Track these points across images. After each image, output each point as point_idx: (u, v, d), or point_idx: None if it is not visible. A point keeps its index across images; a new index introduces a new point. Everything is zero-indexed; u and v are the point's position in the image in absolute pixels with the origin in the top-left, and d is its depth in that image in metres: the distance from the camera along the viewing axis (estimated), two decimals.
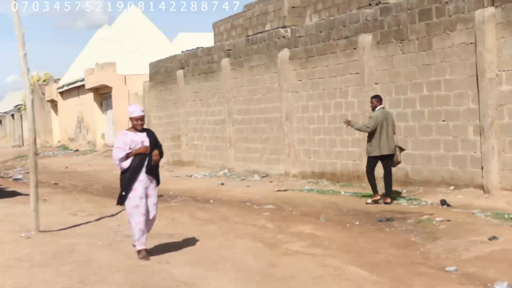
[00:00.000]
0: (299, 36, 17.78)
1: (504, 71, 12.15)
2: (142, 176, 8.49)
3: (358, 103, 15.75)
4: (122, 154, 8.47)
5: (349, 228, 10.49)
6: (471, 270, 7.35)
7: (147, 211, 8.55)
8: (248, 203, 13.94)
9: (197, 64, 23.33)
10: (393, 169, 13.16)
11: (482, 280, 6.89)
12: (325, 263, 7.98)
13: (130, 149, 8.47)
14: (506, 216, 10.44)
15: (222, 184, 18.25)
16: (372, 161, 12.93)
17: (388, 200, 12.69)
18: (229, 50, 21.24)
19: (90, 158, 33.08)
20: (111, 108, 35.97)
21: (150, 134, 8.69)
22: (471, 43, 12.75)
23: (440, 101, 13.55)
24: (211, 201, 14.65)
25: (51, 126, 48.72)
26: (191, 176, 21.10)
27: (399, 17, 14.47)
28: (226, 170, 21.03)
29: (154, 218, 8.77)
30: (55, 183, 20.72)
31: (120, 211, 13.27)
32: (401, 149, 12.93)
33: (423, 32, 13.86)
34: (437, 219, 10.57)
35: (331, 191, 15.19)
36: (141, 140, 8.53)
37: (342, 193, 14.78)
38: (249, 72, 20.13)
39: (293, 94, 18.03)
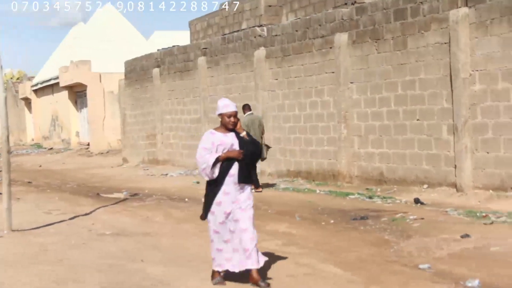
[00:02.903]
0: (275, 35, 17.80)
1: (477, 71, 12.27)
2: (228, 188, 6.89)
3: (334, 102, 15.82)
4: (212, 158, 6.80)
5: (324, 226, 10.53)
6: (444, 267, 7.43)
7: (242, 232, 6.83)
8: None
9: (173, 62, 23.25)
10: (368, 168, 13.79)
11: (454, 277, 6.96)
12: (300, 262, 8.00)
13: (217, 152, 6.87)
14: (478, 214, 10.56)
15: (198, 182, 18.20)
16: None
17: (260, 189, 14.87)
18: (205, 48, 21.21)
19: (64, 157, 32.84)
20: (85, 106, 35.72)
21: (239, 134, 7.06)
22: (445, 43, 12.86)
23: (415, 100, 13.65)
24: (187, 199, 14.62)
25: (25, 124, 48.31)
26: (167, 174, 21.03)
27: (374, 16, 14.55)
28: None
29: (253, 236, 6.87)
30: (29, 182, 20.52)
31: (95, 210, 13.20)
32: (268, 147, 15.16)
33: (398, 32, 13.96)
34: (411, 217, 10.66)
35: (306, 190, 15.23)
36: (231, 142, 6.92)
37: (318, 191, 14.84)
38: (225, 71, 20.12)
39: (269, 93, 18.05)
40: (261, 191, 14.92)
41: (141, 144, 25.69)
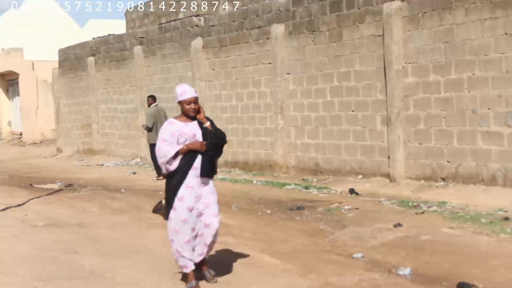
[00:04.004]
0: (213, 25, 17.76)
1: (410, 63, 12.54)
2: (192, 181, 6.45)
3: (271, 93, 15.91)
4: (173, 151, 6.36)
5: (261, 216, 10.61)
6: (377, 256, 7.59)
7: (204, 226, 6.53)
8: (160, 192, 13.84)
9: (108, 51, 22.92)
10: (305, 159, 13.99)
11: (387, 266, 7.13)
12: (236, 252, 8.04)
13: (178, 143, 6.43)
14: (410, 204, 10.83)
15: (134, 173, 18.05)
16: (154, 148, 15.21)
17: (160, 177, 15.33)
18: (142, 37, 20.98)
19: None
20: (18, 95, 34.85)
21: (202, 124, 6.58)
22: (379, 36, 13.09)
23: (350, 91, 13.86)
24: (123, 190, 14.48)
25: None
26: (103, 165, 20.75)
27: (310, 8, 14.68)
28: (139, 159, 20.81)
29: (216, 233, 6.59)
30: None
31: (28, 201, 12.94)
32: None
33: (333, 24, 14.13)
34: (346, 207, 10.84)
35: (243, 180, 15.30)
36: (193, 133, 6.46)
37: (255, 182, 14.92)
38: (162, 60, 19.96)
39: (206, 83, 18.01)
40: (161, 179, 15.18)
41: (76, 134, 25.26)
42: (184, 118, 6.53)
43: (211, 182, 6.62)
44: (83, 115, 24.63)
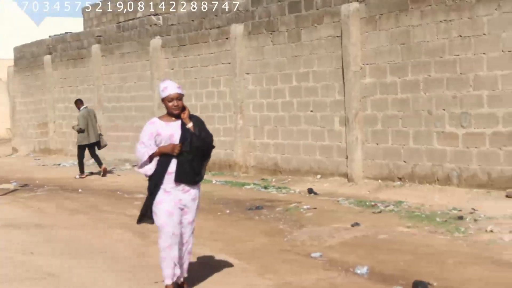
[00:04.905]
0: (172, 24, 17.70)
1: (367, 64, 12.69)
2: (168, 187, 5.96)
3: (230, 93, 15.92)
4: (146, 154, 5.92)
5: (220, 216, 10.62)
6: (335, 255, 7.67)
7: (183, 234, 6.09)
8: (118, 192, 13.76)
9: (65, 49, 22.65)
10: (264, 159, 14.28)
11: (345, 265, 7.21)
12: (195, 252, 8.00)
13: (156, 145, 5.97)
14: (367, 203, 10.96)
15: (92, 173, 17.88)
16: (82, 148, 16.65)
17: (103, 167, 16.61)
18: (100, 36, 20.79)
19: None
20: None
21: (185, 125, 6.00)
22: (337, 37, 13.21)
23: (308, 92, 13.96)
24: (80, 190, 14.33)
25: None
26: (59, 164, 20.49)
27: (269, 8, 14.74)
28: None
29: (188, 246, 6.18)
30: None
31: None
32: (101, 135, 16.88)
33: (292, 24, 14.20)
34: (304, 207, 10.92)
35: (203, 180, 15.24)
36: (170, 133, 5.93)
37: (214, 181, 14.90)
38: (120, 59, 19.80)
39: None
40: (84, 177, 16.59)
41: (32, 133, 24.89)
42: (168, 117, 6.03)
43: (195, 188, 6.07)
44: (40, 114, 24.29)
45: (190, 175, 5.97)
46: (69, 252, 8.20)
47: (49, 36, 24.50)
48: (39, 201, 12.78)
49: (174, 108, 5.93)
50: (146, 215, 6.13)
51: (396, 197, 11.26)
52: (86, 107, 17.08)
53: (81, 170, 16.72)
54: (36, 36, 30.72)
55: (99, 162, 16.90)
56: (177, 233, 5.99)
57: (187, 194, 6.03)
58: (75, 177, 16.72)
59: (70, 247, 8.51)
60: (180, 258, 6.09)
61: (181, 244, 6.06)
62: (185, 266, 6.24)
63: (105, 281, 6.79)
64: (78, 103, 17.12)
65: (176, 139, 5.93)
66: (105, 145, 16.87)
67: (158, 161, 5.94)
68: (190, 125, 5.98)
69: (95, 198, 13.05)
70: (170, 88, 5.96)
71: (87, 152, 16.77)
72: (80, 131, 16.49)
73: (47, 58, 23.46)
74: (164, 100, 5.96)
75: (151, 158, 5.95)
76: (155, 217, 6.02)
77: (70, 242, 8.85)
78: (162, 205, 5.95)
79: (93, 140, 16.56)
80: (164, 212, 5.95)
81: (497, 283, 6.32)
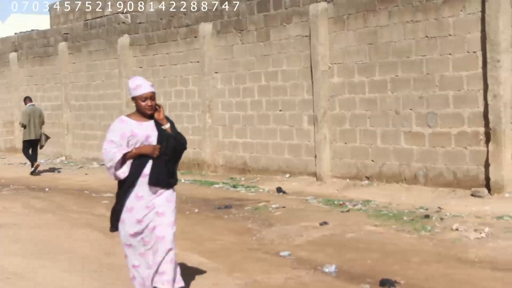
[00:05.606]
0: (140, 23, 17.60)
1: (335, 64, 12.77)
2: (141, 190, 5.56)
3: (199, 92, 15.89)
4: (119, 155, 5.46)
5: (188, 216, 10.60)
6: (303, 254, 7.71)
7: (157, 239, 5.56)
8: (86, 192, 13.65)
9: (32, 47, 22.38)
10: (233, 158, 14.33)
11: (313, 263, 7.25)
12: None
13: (129, 146, 5.54)
14: (336, 202, 11.03)
15: (59, 171, 17.71)
16: (26, 144, 17.10)
17: (36, 163, 17.04)
18: (67, 34, 20.59)
19: None
20: None
21: (160, 125, 5.63)
22: (306, 36, 13.27)
23: (277, 91, 14.00)
24: (47, 189, 14.18)
25: None
26: (26, 163, 20.21)
27: (238, 7, 14.74)
28: (63, 158, 20.43)
29: (171, 248, 5.58)
30: None
31: None
32: (47, 137, 17.25)
33: (261, 23, 14.23)
34: (273, 206, 10.95)
35: None
36: (146, 134, 5.54)
37: (182, 181, 14.84)
38: (87, 57, 19.64)
39: None
40: (37, 165, 17.07)
41: None
42: (139, 116, 5.60)
43: (168, 191, 5.68)
44: (5, 112, 23.96)
45: (165, 177, 5.62)
46: (34, 252, 8.11)
47: (15, 33, 24.18)
48: (5, 201, 12.61)
49: (148, 108, 5.54)
50: (118, 221, 5.65)
51: (364, 196, 11.36)
52: (33, 104, 17.50)
53: (31, 162, 17.19)
54: (1, 33, 30.29)
55: (34, 159, 17.20)
56: (149, 241, 5.58)
57: (161, 197, 5.63)
58: (30, 174, 17.07)
59: (35, 247, 8.42)
60: (155, 263, 5.57)
61: (162, 251, 5.53)
62: (170, 273, 5.58)
63: (71, 281, 6.73)
64: (27, 100, 17.59)
65: (153, 141, 5.55)
66: (42, 146, 17.31)
67: (132, 163, 5.53)
68: (167, 126, 5.63)
69: (63, 197, 12.93)
70: (143, 86, 5.55)
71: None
72: (23, 126, 16.99)
73: (13, 55, 23.16)
74: (136, 98, 5.56)
75: (123, 160, 5.51)
76: (122, 225, 5.59)
77: (35, 242, 8.75)
78: (132, 213, 5.54)
79: (32, 137, 16.95)
80: (134, 220, 5.54)
81: (461, 280, 6.42)
